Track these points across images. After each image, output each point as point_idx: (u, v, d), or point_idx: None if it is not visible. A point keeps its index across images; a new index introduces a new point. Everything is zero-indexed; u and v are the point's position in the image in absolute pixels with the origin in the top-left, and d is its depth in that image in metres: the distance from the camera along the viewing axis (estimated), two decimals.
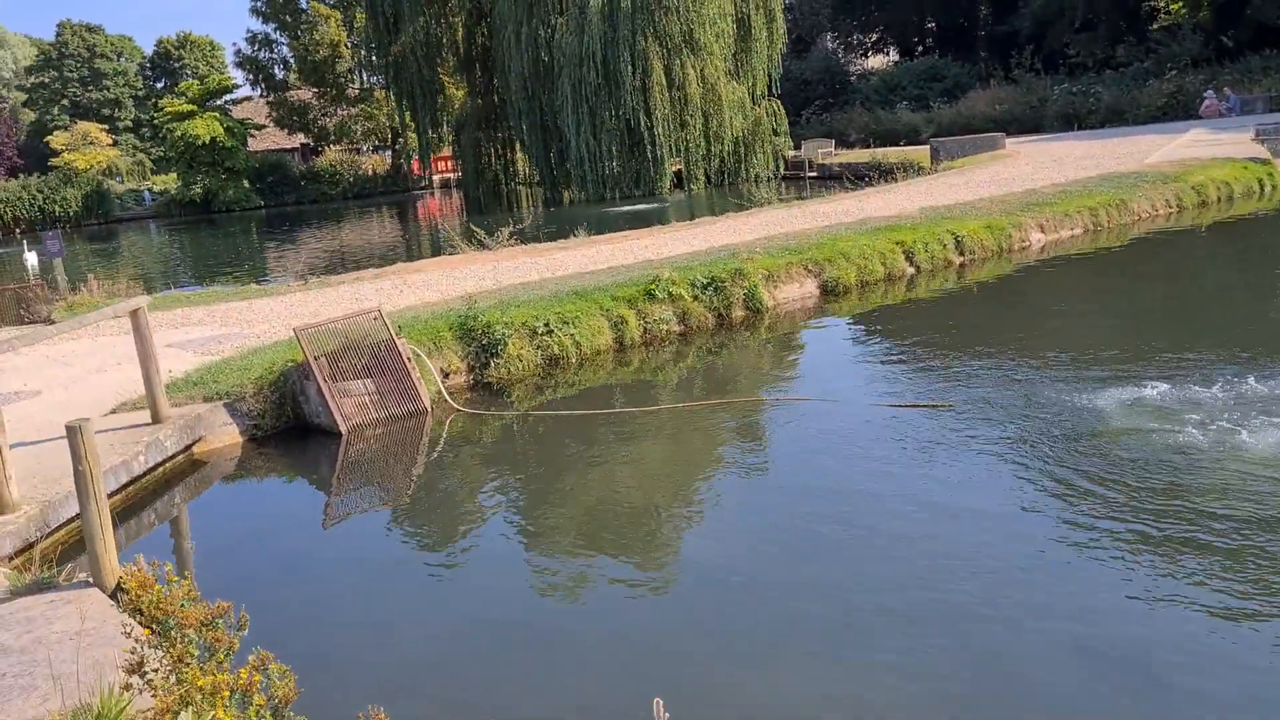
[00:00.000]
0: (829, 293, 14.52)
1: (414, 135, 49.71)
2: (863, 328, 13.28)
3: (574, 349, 11.95)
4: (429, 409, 10.37)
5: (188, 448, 9.51)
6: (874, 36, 66.04)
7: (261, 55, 57.37)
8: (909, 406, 9.27)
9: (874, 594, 6.02)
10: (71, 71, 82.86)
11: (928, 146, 37.14)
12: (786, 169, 40.56)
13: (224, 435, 9.82)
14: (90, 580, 5.88)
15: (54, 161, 57.29)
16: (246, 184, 55.06)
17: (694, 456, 8.93)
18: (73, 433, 5.67)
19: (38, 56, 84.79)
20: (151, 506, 8.67)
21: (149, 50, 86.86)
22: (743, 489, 8.00)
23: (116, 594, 5.72)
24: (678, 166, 38.98)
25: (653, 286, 12.81)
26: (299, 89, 59.09)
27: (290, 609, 6.55)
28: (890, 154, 35.87)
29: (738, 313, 13.42)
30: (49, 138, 62.04)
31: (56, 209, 53.48)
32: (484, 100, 48.43)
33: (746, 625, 5.82)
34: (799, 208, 21.90)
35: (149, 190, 59.95)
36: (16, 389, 11.75)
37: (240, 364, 10.91)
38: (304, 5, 56.05)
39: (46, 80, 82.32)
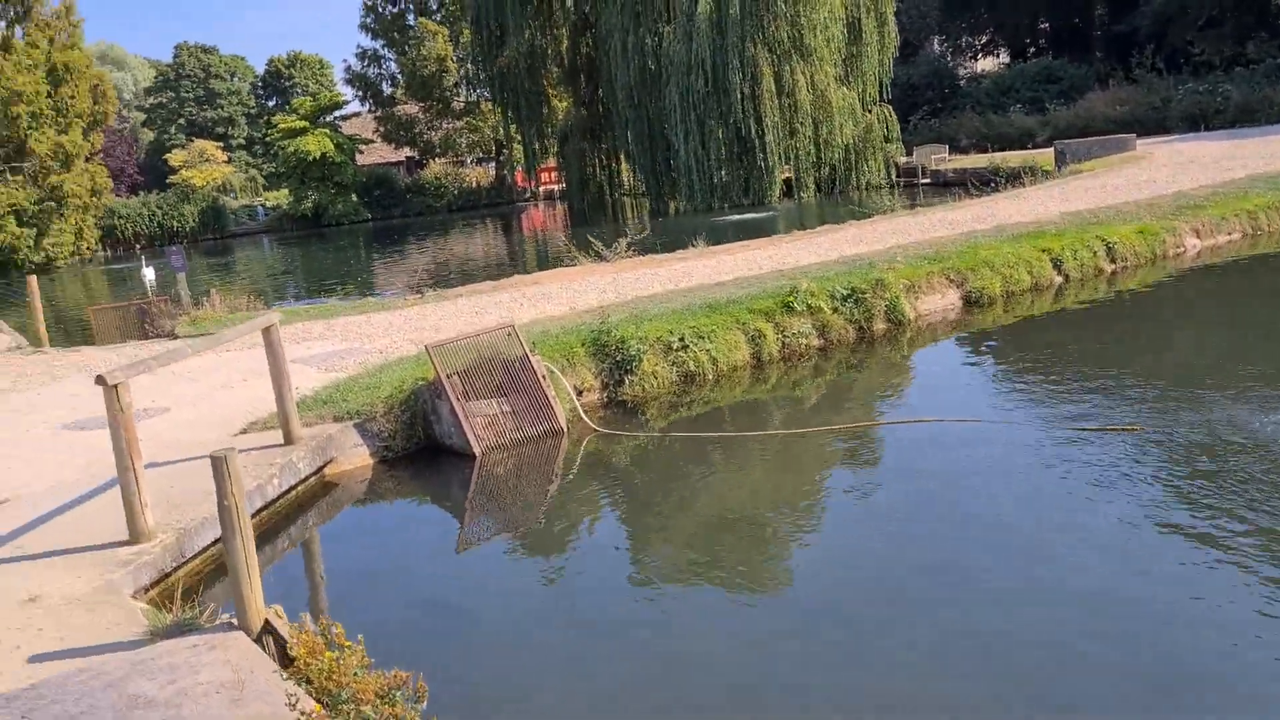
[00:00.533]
0: (972, 304, 13.67)
1: (518, 147, 49.79)
2: (1012, 341, 12.41)
3: (710, 365, 11.34)
4: (565, 429, 9.85)
5: (319, 470, 9.13)
6: (984, 39, 64.31)
7: (370, 71, 58.14)
8: (1093, 430, 8.44)
9: (1026, 652, 5.29)
10: (188, 91, 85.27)
11: (1050, 150, 35.78)
12: (898, 176, 39.46)
13: (355, 457, 9.43)
14: (234, 622, 5.44)
15: (172, 179, 58.76)
16: (355, 198, 55.76)
17: (847, 482, 8.23)
18: (218, 464, 5.24)
19: (156, 78, 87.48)
20: (285, 533, 8.28)
21: (261, 69, 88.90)
22: (900, 519, 7.29)
23: (262, 638, 5.27)
24: (787, 175, 38.17)
25: (790, 298, 12.14)
26: (406, 104, 59.71)
27: (432, 648, 6.04)
28: (1010, 158, 34.57)
29: (879, 325, 12.68)
30: (167, 155, 63.75)
31: (174, 225, 54.80)
32: (588, 110, 48.24)
33: (903, 685, 5.14)
34: (925, 215, 21.00)
35: (262, 205, 61.18)
36: (144, 406, 11.56)
37: (368, 381, 10.53)
38: (412, 22, 56.60)
39: (164, 100, 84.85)
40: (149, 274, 34.18)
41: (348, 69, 58.51)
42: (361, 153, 57.30)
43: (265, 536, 8.04)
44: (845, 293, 12.49)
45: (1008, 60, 63.17)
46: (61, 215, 43.90)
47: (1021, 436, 8.59)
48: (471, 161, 63.71)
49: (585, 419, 10.07)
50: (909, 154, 40.42)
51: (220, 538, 7.60)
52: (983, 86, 55.29)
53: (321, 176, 54.23)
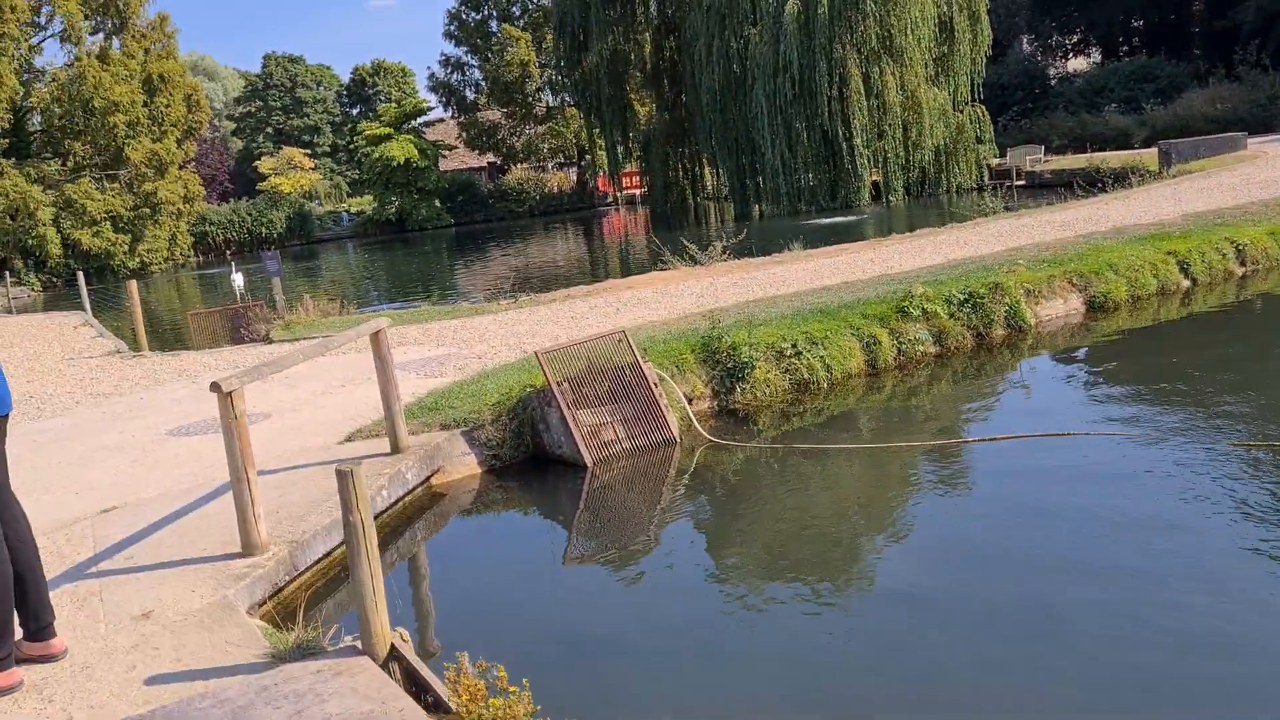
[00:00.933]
0: (1096, 309, 12.98)
1: (601, 152, 49.70)
2: (1142, 348, 11.72)
3: (824, 373, 10.85)
4: (677, 439, 9.45)
5: (426, 479, 8.84)
6: (1075, 38, 62.75)
7: (454, 78, 58.48)
8: (1258, 446, 7.80)
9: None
10: (275, 101, 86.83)
11: (1152, 150, 34.60)
12: (991, 178, 38.47)
13: (462, 466, 9.12)
14: (358, 645, 5.12)
15: (261, 186, 59.69)
16: (438, 203, 56.13)
17: (982, 503, 7.69)
18: (343, 479, 4.93)
19: (245, 87, 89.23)
20: (393, 546, 7.98)
21: (345, 78, 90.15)
22: (1039, 541, 6.74)
23: (389, 664, 4.94)
24: (875, 177, 37.43)
25: (905, 303, 11.61)
26: (489, 110, 59.97)
27: (555, 672, 5.66)
28: (1110, 158, 33.50)
29: (998, 332, 12.08)
30: (256, 163, 64.80)
31: (263, 231, 55.65)
32: (671, 115, 47.93)
33: None
34: (1030, 217, 20.25)
35: (346, 211, 61.91)
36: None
37: (473, 388, 10.24)
38: (495, 29, 56.82)
39: (252, 110, 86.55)
40: (238, 280, 34.54)
41: (431, 76, 59.04)
42: (445, 158, 57.68)
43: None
44: (962, 297, 11.92)
45: (1099, 60, 61.55)
46: (156, 222, 44.79)
47: (1170, 453, 7.98)
48: (553, 167, 63.76)
49: (698, 428, 9.65)
50: (1001, 155, 39.42)
51: (331, 551, 7.37)
52: (1075, 86, 53.93)
53: (405, 182, 54.67)
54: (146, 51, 45.37)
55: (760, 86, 36.60)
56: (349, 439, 9.45)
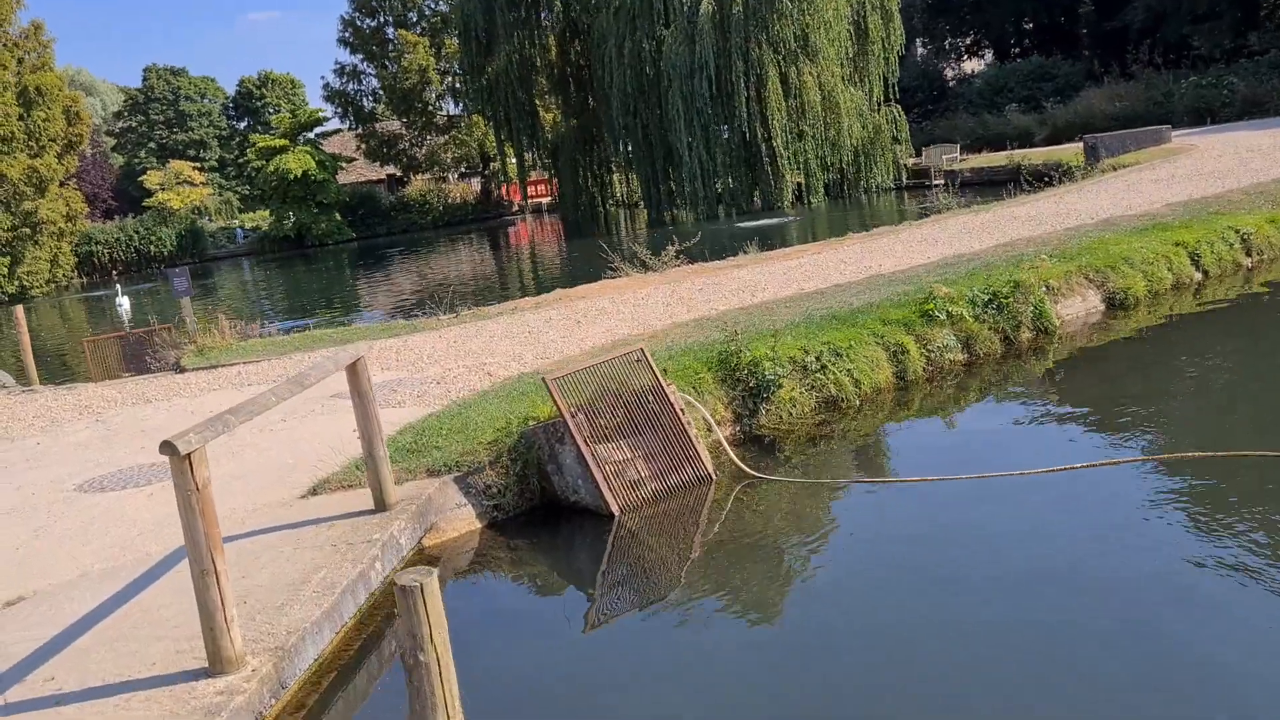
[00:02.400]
0: (1115, 306, 11.79)
1: (509, 159, 47.74)
2: (1180, 348, 10.54)
3: (853, 388, 9.37)
4: (712, 475, 7.83)
5: (418, 542, 7.08)
6: (968, 39, 62.96)
7: (350, 88, 55.80)
8: None
9: None
10: (158, 114, 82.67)
11: (1067, 146, 34.24)
12: (908, 178, 37.75)
13: (457, 521, 7.36)
14: None
15: (148, 202, 56.19)
16: (338, 217, 53.41)
17: (1070, 546, 6.27)
18: (409, 597, 3.25)
19: (125, 101, 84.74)
20: (389, 632, 6.20)
21: (231, 90, 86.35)
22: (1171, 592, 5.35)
23: None
24: (796, 179, 36.31)
25: (929, 306, 10.20)
26: (387, 119, 57.47)
27: None
28: (1031, 155, 32.94)
29: (1024, 335, 10.76)
30: (143, 178, 61.13)
31: (152, 249, 52.18)
32: (579, 120, 46.29)
33: None
34: (989, 213, 19.17)
35: (241, 227, 58.65)
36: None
37: (456, 422, 8.47)
38: (390, 35, 54.41)
39: (134, 124, 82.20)
40: (124, 304, 31.69)
41: (326, 86, 56.20)
42: (344, 170, 54.97)
43: (370, 641, 5.97)
44: (985, 298, 10.57)
45: (993, 61, 61.84)
46: (36, 243, 41.36)
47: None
48: (455, 177, 61.49)
49: (736, 461, 8.04)
50: (917, 155, 38.76)
51: (321, 653, 5.57)
52: (974, 87, 53.90)
53: (303, 196, 51.81)
54: (20, 61, 41.88)
55: (676, 88, 35.16)
56: (313, 491, 7.61)
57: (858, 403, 9.36)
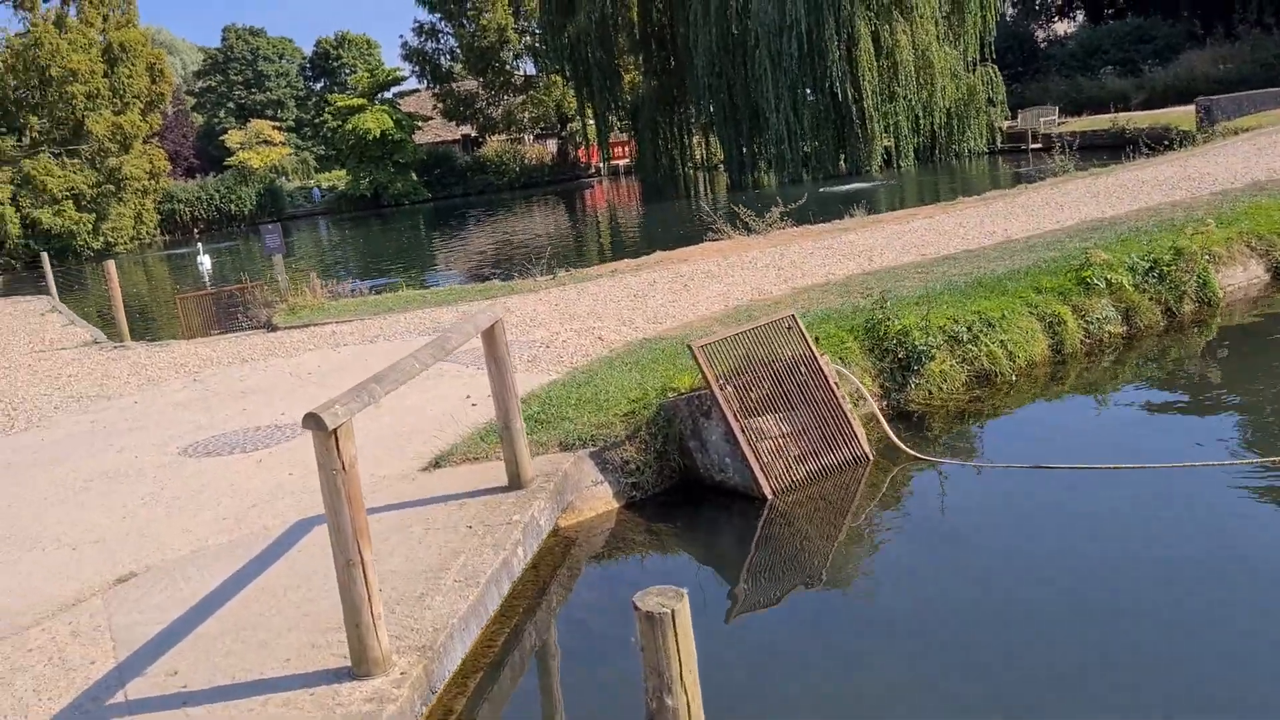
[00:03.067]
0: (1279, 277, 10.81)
1: (588, 121, 46.93)
2: None
3: (1007, 362, 8.56)
4: (869, 456, 7.11)
5: (554, 523, 6.46)
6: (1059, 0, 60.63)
7: (428, 46, 55.30)
8: None
9: None
10: (236, 75, 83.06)
11: (1177, 109, 32.65)
12: (1003, 142, 36.31)
13: (594, 500, 6.73)
14: None
15: (228, 161, 56.41)
16: (414, 177, 53.16)
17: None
18: (658, 626, 2.56)
19: (204, 61, 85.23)
20: (528, 625, 5.56)
21: (308, 51, 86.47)
22: None
23: None
24: (885, 142, 35.06)
25: (1087, 273, 9.33)
26: (465, 79, 56.94)
27: None
28: (1135, 118, 31.41)
29: (1187, 306, 9.84)
30: (224, 137, 61.40)
31: (232, 208, 52.42)
32: (659, 81, 45.32)
33: None
34: (1110, 177, 18.04)
35: (317, 187, 58.69)
36: (273, 421, 8.94)
37: (585, 391, 7.83)
38: None
39: (213, 84, 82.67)
40: (205, 262, 31.62)
41: (405, 44, 55.77)
42: (420, 129, 54.60)
43: (512, 638, 5.36)
44: (1146, 265, 9.66)
45: (1084, 22, 59.52)
46: (120, 199, 41.62)
47: None
48: (530, 138, 60.89)
49: (898, 442, 7.30)
50: (1012, 118, 37.26)
51: (470, 650, 4.98)
52: (1067, 49, 51.83)
53: (380, 155, 51.61)
54: (105, 19, 42.03)
55: (764, 47, 34.08)
56: (436, 464, 7.02)
57: (1013, 377, 8.55)
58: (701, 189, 45.47)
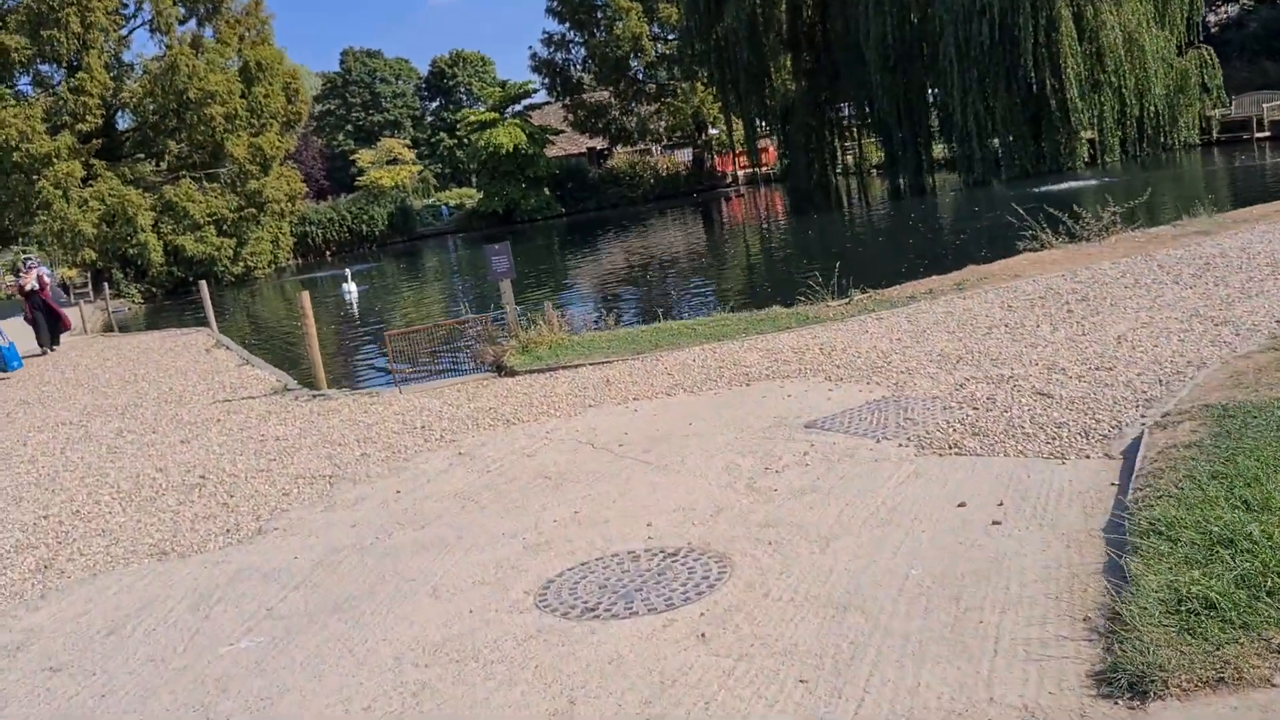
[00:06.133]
0: None
1: (737, 124, 43.60)
2: None
3: None
4: None
5: None
6: None
7: (558, 57, 52.68)
8: None
9: None
10: (355, 97, 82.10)
11: None
12: (1219, 131, 32.06)
13: None
14: None
15: (360, 180, 54.56)
16: (546, 191, 50.52)
17: None
18: None
19: (324, 85, 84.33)
20: None
21: (424, 70, 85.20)
22: None
23: None
24: (1088, 136, 31.11)
25: None
26: (594, 90, 54.22)
27: None
28: None
29: None
30: (355, 156, 59.74)
31: (364, 229, 50.39)
32: (809, 82, 41.92)
33: None
34: None
35: (445, 205, 56.48)
36: (643, 540, 5.79)
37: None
38: (600, 1, 51.02)
39: (331, 108, 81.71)
40: (351, 290, 29.02)
41: (534, 56, 53.19)
42: (552, 143, 51.95)
43: None
44: None
45: (1251, 5, 54.39)
46: (259, 223, 39.59)
47: None
48: (660, 149, 57.92)
49: None
50: (1225, 106, 32.99)
51: None
52: (1247, 31, 46.91)
53: (512, 170, 49.05)
54: (241, 38, 40.14)
55: (950, 35, 30.49)
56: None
57: None
58: (854, 196, 42.00)
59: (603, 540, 5.92)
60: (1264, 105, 30.89)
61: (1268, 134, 29.80)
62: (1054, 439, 6.26)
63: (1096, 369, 7.67)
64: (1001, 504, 5.33)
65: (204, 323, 21.93)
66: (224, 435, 10.87)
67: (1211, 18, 53.96)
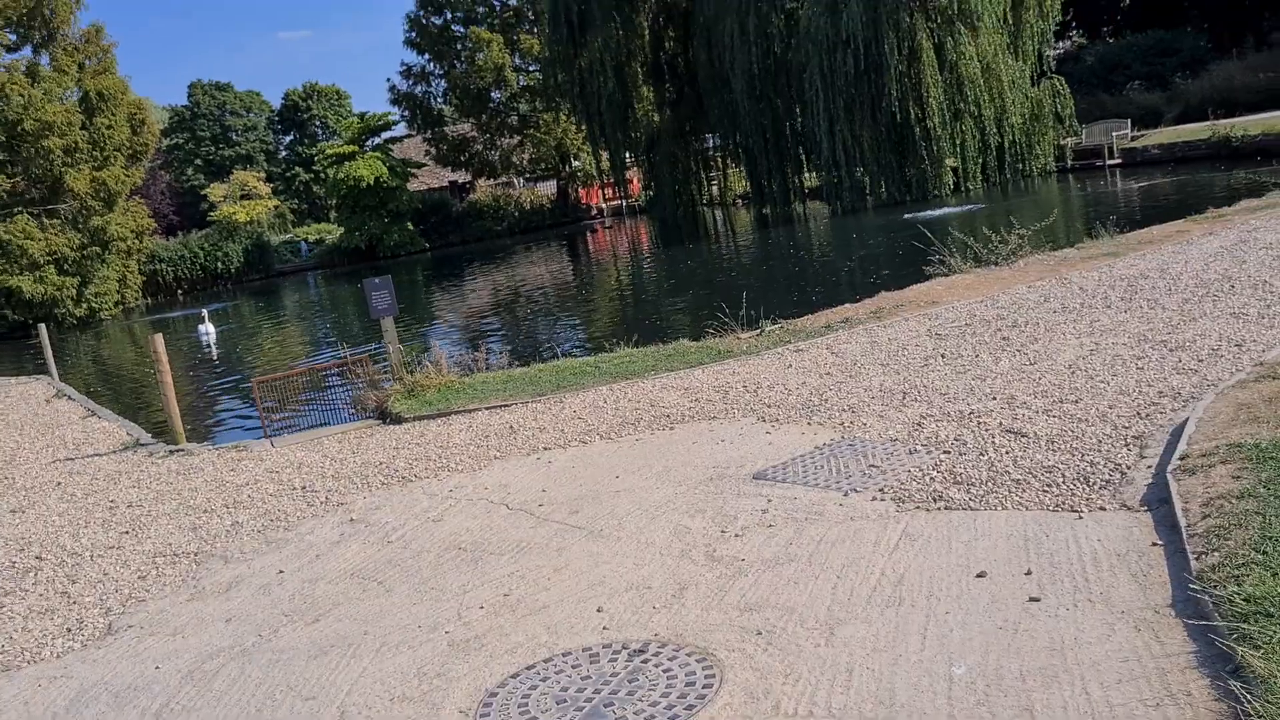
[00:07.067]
0: None
1: (603, 154, 42.73)
2: None
3: None
4: None
5: None
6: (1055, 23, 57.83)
7: (418, 89, 51.02)
8: None
9: None
10: (204, 131, 78.44)
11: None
12: (1073, 159, 32.79)
13: None
14: None
15: (212, 216, 51.65)
16: (410, 226, 48.68)
17: None
18: None
19: (171, 118, 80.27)
20: None
21: (276, 103, 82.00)
22: None
23: None
24: (952, 164, 31.40)
25: None
26: (456, 123, 52.76)
27: None
28: (1244, 125, 27.90)
29: None
30: (207, 190, 56.64)
31: (218, 266, 47.52)
32: (674, 112, 41.51)
33: None
34: None
35: (304, 240, 53.93)
36: (596, 637, 4.73)
37: None
38: (460, 31, 49.68)
39: (180, 141, 77.79)
40: (209, 331, 26.77)
41: (392, 89, 51.37)
42: (415, 176, 50.16)
43: None
44: None
45: (1084, 42, 56.82)
46: (104, 261, 36.79)
47: None
48: (523, 182, 56.77)
49: None
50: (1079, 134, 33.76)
51: None
52: (1085, 65, 48.75)
53: (374, 205, 47.03)
54: (81, 67, 37.37)
55: (815, 65, 30.39)
56: None
57: None
58: (719, 227, 41.66)
59: (546, 633, 4.82)
60: (1113, 134, 31.72)
61: (1119, 161, 30.59)
62: (1050, 487, 5.46)
63: (1060, 402, 6.97)
64: (1030, 573, 4.46)
65: (44, 370, 19.76)
66: (65, 502, 9.30)
67: (1049, 52, 56.16)
